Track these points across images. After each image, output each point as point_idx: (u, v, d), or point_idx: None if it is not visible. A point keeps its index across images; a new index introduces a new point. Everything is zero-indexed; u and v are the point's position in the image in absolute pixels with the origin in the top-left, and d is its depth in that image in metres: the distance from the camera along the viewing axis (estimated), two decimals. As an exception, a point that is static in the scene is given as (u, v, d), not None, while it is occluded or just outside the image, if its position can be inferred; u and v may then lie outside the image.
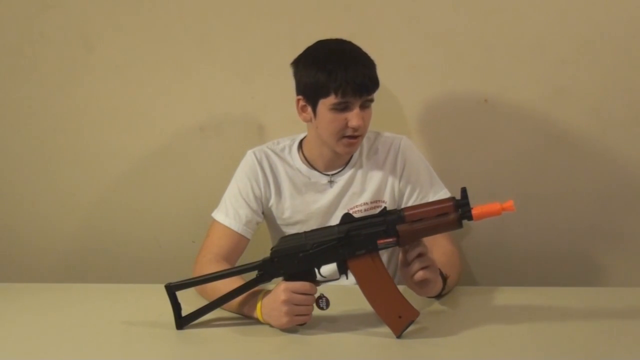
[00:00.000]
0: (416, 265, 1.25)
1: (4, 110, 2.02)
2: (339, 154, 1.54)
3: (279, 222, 1.61)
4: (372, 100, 1.46)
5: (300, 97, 1.50)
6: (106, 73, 1.94)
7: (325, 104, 1.44)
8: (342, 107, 1.43)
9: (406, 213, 1.23)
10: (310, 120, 1.51)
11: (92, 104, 1.97)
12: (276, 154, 1.61)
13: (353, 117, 1.43)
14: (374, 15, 1.78)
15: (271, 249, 1.31)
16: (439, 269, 1.35)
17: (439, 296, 1.38)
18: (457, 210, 1.20)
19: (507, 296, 1.43)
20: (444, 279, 1.36)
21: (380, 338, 1.23)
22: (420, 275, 1.25)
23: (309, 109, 1.49)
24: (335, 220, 1.31)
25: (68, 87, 1.97)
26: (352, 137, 1.46)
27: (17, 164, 2.05)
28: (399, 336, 1.22)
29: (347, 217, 1.28)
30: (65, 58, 1.95)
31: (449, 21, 1.75)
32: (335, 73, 1.41)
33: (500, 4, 1.73)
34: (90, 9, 1.91)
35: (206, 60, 1.89)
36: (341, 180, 1.57)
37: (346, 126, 1.45)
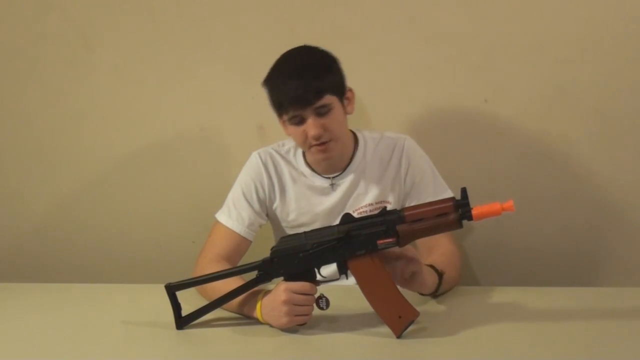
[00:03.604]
0: (398, 265, 1.25)
1: (4, 110, 2.02)
2: (333, 159, 1.53)
3: (283, 224, 1.61)
4: (325, 106, 1.43)
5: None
6: (106, 73, 1.94)
7: (284, 119, 1.48)
8: (296, 121, 1.45)
9: (406, 213, 1.23)
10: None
11: (92, 104, 1.97)
12: (281, 155, 1.61)
13: (310, 128, 1.43)
14: (374, 15, 1.78)
15: (271, 249, 1.31)
16: (433, 265, 1.36)
17: (436, 294, 1.38)
18: (457, 211, 1.19)
19: (507, 296, 1.43)
20: (440, 275, 1.36)
21: (380, 338, 1.23)
22: (405, 272, 1.26)
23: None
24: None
25: (68, 87, 1.97)
26: (321, 144, 1.46)
27: (17, 163, 2.05)
28: (399, 336, 1.22)
29: (347, 217, 1.28)
30: (65, 58, 1.95)
31: (448, 21, 1.75)
32: (274, 90, 1.46)
33: (500, 4, 1.73)
34: (90, 9, 1.92)
35: (206, 60, 1.89)
36: (344, 182, 1.57)
37: (307, 136, 1.45)
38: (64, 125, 2.00)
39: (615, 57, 1.70)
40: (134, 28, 1.91)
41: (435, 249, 1.46)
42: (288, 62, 1.48)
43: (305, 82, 1.41)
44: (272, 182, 1.59)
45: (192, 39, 1.88)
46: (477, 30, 1.75)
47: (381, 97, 1.81)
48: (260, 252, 1.37)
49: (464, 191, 1.20)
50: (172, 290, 1.34)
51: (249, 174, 1.60)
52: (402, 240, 1.23)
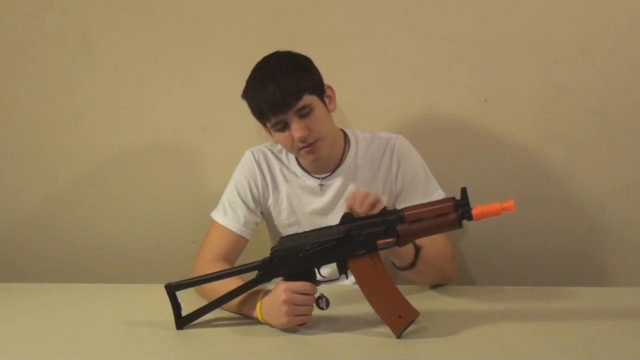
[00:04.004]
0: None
1: (4, 110, 2.02)
2: (323, 159, 1.52)
3: (276, 222, 1.62)
4: (306, 107, 1.43)
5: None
6: (106, 73, 1.94)
7: (268, 127, 1.48)
8: (280, 127, 1.45)
9: (406, 213, 1.22)
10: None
11: (92, 104, 1.97)
12: (274, 154, 1.61)
13: (295, 131, 1.43)
14: (374, 15, 1.78)
15: (271, 249, 1.31)
16: (413, 242, 1.34)
17: (414, 267, 1.35)
18: (457, 211, 1.19)
19: (506, 296, 1.43)
20: (417, 248, 1.34)
21: (380, 338, 1.23)
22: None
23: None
24: (330, 222, 1.31)
25: (68, 87, 1.97)
26: (308, 145, 1.45)
27: (17, 163, 2.05)
28: (399, 336, 1.22)
29: (347, 217, 1.28)
30: (65, 58, 1.95)
31: (448, 21, 1.75)
32: (253, 100, 1.46)
33: (501, 4, 1.73)
34: (90, 9, 1.91)
35: (206, 60, 1.89)
36: (334, 184, 1.57)
37: (294, 140, 1.45)
38: (63, 125, 2.00)
39: (615, 57, 1.70)
40: (134, 28, 1.91)
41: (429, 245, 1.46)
42: (261, 71, 1.47)
43: (281, 86, 1.40)
44: (266, 180, 1.59)
45: (192, 39, 1.88)
46: (477, 30, 1.75)
47: (381, 97, 1.81)
48: (259, 252, 1.37)
49: (464, 191, 1.20)
50: (172, 290, 1.34)
51: (242, 173, 1.60)
52: (402, 240, 1.23)
